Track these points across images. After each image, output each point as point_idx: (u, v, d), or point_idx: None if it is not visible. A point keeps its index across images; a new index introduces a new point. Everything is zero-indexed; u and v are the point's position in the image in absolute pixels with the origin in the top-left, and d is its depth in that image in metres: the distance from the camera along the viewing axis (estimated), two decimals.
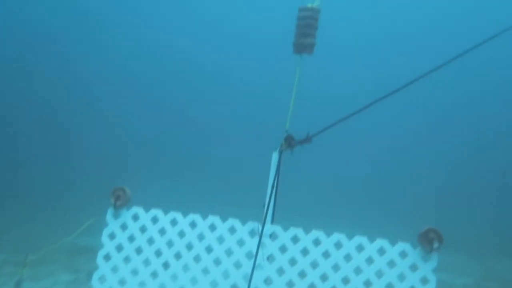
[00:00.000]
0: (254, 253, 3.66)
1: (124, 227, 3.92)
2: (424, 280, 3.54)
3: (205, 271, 3.72)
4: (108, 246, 3.88)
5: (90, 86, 28.68)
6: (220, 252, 3.73)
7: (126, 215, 3.93)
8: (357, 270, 3.58)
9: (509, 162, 23.70)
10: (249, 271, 3.64)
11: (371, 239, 3.62)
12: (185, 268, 3.75)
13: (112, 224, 3.93)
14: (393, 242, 3.62)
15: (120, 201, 3.92)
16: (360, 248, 3.62)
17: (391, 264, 3.57)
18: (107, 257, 3.89)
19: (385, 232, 4.02)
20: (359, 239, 3.63)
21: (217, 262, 3.72)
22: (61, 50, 28.93)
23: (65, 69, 28.63)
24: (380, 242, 3.61)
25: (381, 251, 3.61)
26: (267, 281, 3.61)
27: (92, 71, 29.08)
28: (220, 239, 3.75)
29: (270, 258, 3.63)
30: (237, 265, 3.69)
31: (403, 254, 3.58)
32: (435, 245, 3.50)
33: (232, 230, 3.75)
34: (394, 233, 4.10)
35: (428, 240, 3.53)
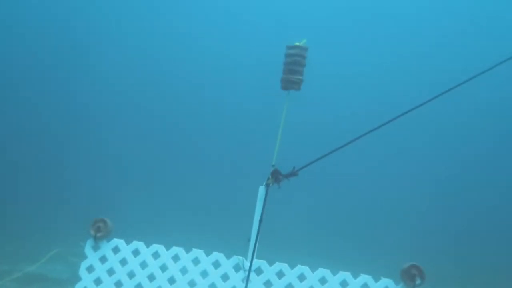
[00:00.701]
0: None
1: (103, 259, 3.81)
2: None
3: None
4: (86, 279, 3.76)
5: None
6: (203, 287, 3.67)
7: (106, 247, 3.83)
8: None
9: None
10: None
11: (355, 275, 3.65)
12: None
13: (91, 257, 3.82)
14: (376, 278, 3.66)
15: (101, 233, 3.83)
16: (344, 283, 3.64)
17: None
18: None
19: (368, 268, 4.05)
20: (343, 274, 3.66)
21: None
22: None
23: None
24: (364, 278, 3.65)
25: (365, 287, 3.64)
26: None
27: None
28: (204, 274, 3.70)
29: None
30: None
31: None
32: (417, 281, 3.56)
33: (216, 264, 3.71)
34: (377, 269, 4.15)
35: (410, 277, 3.58)
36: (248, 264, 3.64)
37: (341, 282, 3.65)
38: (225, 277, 3.68)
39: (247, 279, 3.45)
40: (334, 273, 3.67)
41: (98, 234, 3.82)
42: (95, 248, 3.84)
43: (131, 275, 3.76)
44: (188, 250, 3.77)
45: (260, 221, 3.57)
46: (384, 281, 3.66)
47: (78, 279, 3.79)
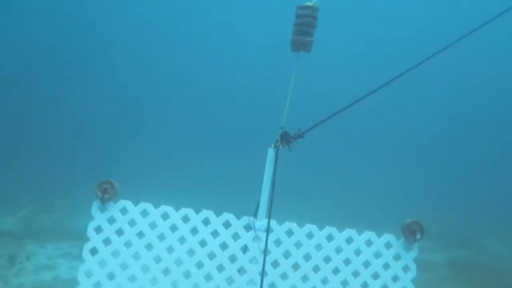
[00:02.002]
0: (250, 247, 3.75)
1: (111, 220, 3.82)
2: (406, 269, 3.82)
3: (199, 264, 3.75)
4: (95, 240, 3.78)
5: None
6: (214, 246, 3.77)
7: (114, 209, 3.83)
8: (346, 261, 3.79)
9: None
10: (244, 264, 3.74)
11: (360, 232, 3.83)
12: (178, 262, 3.75)
13: (98, 218, 3.81)
14: (379, 234, 3.85)
15: (108, 195, 3.82)
16: (349, 240, 3.82)
17: (377, 254, 3.81)
18: (93, 251, 3.78)
19: (372, 225, 4.25)
20: (349, 232, 3.83)
21: (211, 255, 3.76)
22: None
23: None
24: (368, 234, 3.84)
25: (369, 243, 3.84)
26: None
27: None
28: (215, 233, 3.79)
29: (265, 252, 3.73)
30: (232, 258, 3.76)
31: (388, 245, 3.84)
32: (418, 236, 3.78)
33: (226, 224, 3.79)
34: (381, 226, 4.36)
35: (411, 232, 3.79)
36: (259, 224, 3.75)
37: (347, 239, 3.83)
38: (236, 237, 3.79)
39: (265, 243, 3.55)
40: (340, 230, 3.84)
41: (105, 196, 3.81)
42: (102, 209, 3.83)
43: (140, 235, 3.81)
44: (198, 211, 3.82)
45: (273, 183, 3.63)
46: (387, 236, 3.86)
47: (86, 239, 3.81)
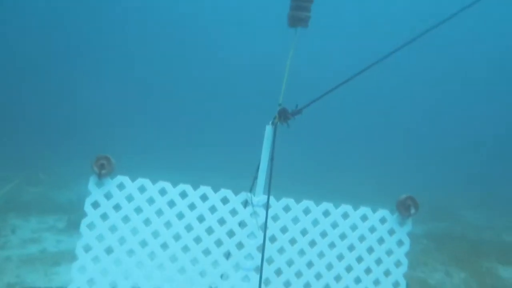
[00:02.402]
0: (247, 222, 3.79)
1: (108, 196, 3.81)
2: (400, 243, 3.92)
3: (197, 239, 3.79)
4: (92, 215, 3.77)
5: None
6: (212, 222, 3.80)
7: (110, 184, 3.82)
8: (342, 236, 3.87)
9: None
10: (242, 239, 3.79)
11: (355, 207, 3.90)
12: (176, 237, 3.78)
13: (95, 193, 3.80)
14: (374, 210, 3.93)
15: (105, 170, 3.80)
16: (345, 215, 3.89)
17: (372, 229, 3.90)
18: (91, 226, 3.78)
19: (368, 201, 4.32)
20: (345, 207, 3.90)
21: (209, 231, 3.80)
22: None
23: None
24: (363, 209, 3.91)
25: (364, 218, 3.91)
26: (260, 248, 3.77)
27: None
28: (212, 209, 3.82)
29: (263, 227, 3.78)
30: (230, 233, 3.80)
31: (382, 220, 3.92)
32: (412, 211, 3.86)
33: (224, 200, 3.82)
34: (377, 202, 4.44)
35: (405, 207, 3.87)
36: (256, 200, 3.79)
37: (343, 215, 3.90)
38: (233, 212, 3.82)
39: (266, 211, 3.59)
40: (336, 206, 3.90)
41: (103, 171, 3.79)
42: (99, 185, 3.81)
43: (138, 211, 3.81)
44: (195, 187, 3.83)
45: (272, 159, 3.65)
46: (381, 212, 3.94)
47: (84, 215, 3.80)
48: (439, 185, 18.04)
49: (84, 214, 3.78)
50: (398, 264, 3.95)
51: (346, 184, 16.35)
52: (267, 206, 3.62)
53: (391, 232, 3.94)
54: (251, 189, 4.01)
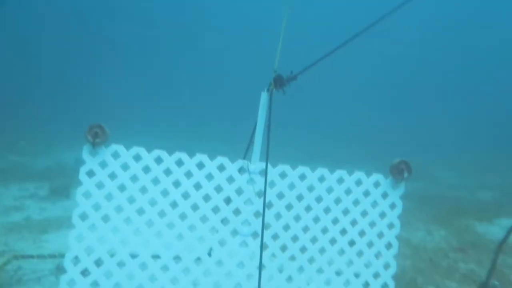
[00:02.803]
0: (244, 189, 3.82)
1: (103, 164, 3.78)
2: (393, 206, 4.01)
3: (194, 207, 3.81)
4: (87, 184, 3.74)
5: None
6: (209, 189, 3.82)
7: (105, 153, 3.78)
8: (337, 200, 3.94)
9: None
10: (239, 206, 3.82)
11: (350, 172, 3.96)
12: (173, 204, 3.80)
13: (90, 162, 3.76)
14: (368, 174, 3.99)
15: (99, 139, 3.75)
16: (340, 180, 3.95)
17: (366, 193, 3.97)
18: (87, 195, 3.76)
19: (363, 167, 4.38)
20: (340, 172, 3.95)
21: (206, 198, 3.82)
22: None
23: None
24: (358, 174, 3.98)
25: (358, 183, 3.98)
26: (257, 214, 3.82)
27: None
28: (209, 177, 3.83)
29: (260, 193, 3.81)
30: (227, 201, 3.83)
31: (376, 184, 4.00)
32: (405, 175, 3.94)
33: (221, 167, 3.83)
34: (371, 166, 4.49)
35: (399, 171, 3.94)
36: (252, 167, 3.81)
37: (338, 180, 3.95)
38: (230, 180, 3.84)
39: (265, 182, 3.62)
40: (331, 171, 3.95)
41: (97, 140, 3.74)
42: (93, 154, 3.77)
43: (134, 179, 3.80)
44: (191, 155, 3.83)
45: (269, 127, 3.65)
46: (375, 176, 4.01)
47: (79, 183, 3.77)
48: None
49: (79, 183, 3.74)
50: (390, 226, 4.06)
51: (332, 150, 16.56)
52: (265, 172, 3.64)
53: (384, 195, 4.03)
54: (245, 156, 4.03)
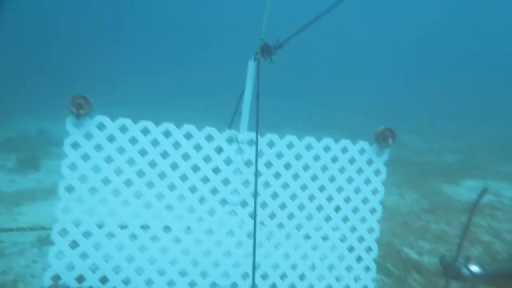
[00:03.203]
0: (232, 159, 3.83)
1: (88, 136, 3.70)
2: (377, 172, 4.10)
3: (183, 177, 3.80)
4: (73, 156, 3.67)
5: None
6: (197, 159, 3.81)
7: (90, 125, 3.70)
8: (324, 168, 4.00)
9: None
10: (228, 176, 3.83)
11: (336, 140, 4.02)
12: (162, 175, 3.78)
13: (74, 134, 3.67)
14: (354, 142, 4.06)
15: (84, 110, 3.66)
16: (327, 148, 4.00)
17: (352, 160, 4.04)
18: (72, 167, 3.69)
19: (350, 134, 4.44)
20: (327, 140, 4.01)
21: (195, 168, 3.81)
22: None
23: None
24: (344, 142, 4.04)
25: (344, 150, 4.04)
26: (246, 183, 3.85)
27: None
28: (197, 147, 3.81)
29: (248, 163, 3.83)
30: (216, 170, 3.84)
31: (361, 151, 4.07)
32: (389, 141, 4.02)
33: (209, 138, 3.82)
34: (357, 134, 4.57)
35: (383, 138, 4.02)
36: (241, 137, 3.81)
37: (325, 148, 4.01)
38: (218, 150, 3.84)
39: (256, 152, 3.63)
40: (318, 140, 4.00)
41: (82, 111, 3.66)
42: (77, 125, 3.69)
43: (121, 151, 3.75)
44: (179, 126, 3.80)
45: (257, 96, 3.64)
46: (361, 143, 4.08)
47: (63, 155, 3.69)
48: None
49: (64, 155, 3.67)
50: (375, 191, 4.16)
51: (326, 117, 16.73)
52: (256, 142, 3.66)
53: (369, 162, 4.11)
54: (230, 126, 4.04)
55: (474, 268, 4.94)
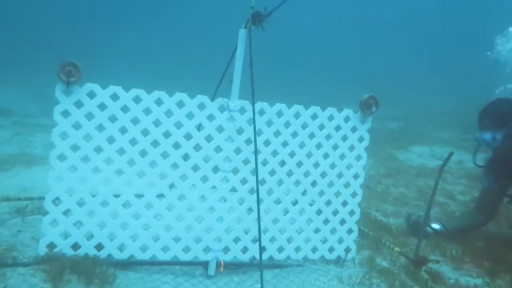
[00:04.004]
0: (224, 127, 3.90)
1: (79, 104, 3.65)
2: (361, 139, 4.29)
3: (176, 145, 3.84)
4: (63, 124, 3.63)
5: None
6: (190, 127, 3.85)
7: (80, 92, 3.65)
8: (311, 136, 4.13)
9: None
10: (220, 143, 3.91)
11: (323, 108, 4.15)
12: (155, 143, 3.80)
13: (64, 102, 3.62)
14: (339, 110, 4.20)
15: (74, 78, 3.61)
16: (314, 116, 4.13)
17: (337, 128, 4.19)
18: (63, 135, 3.66)
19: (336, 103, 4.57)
20: (314, 108, 4.13)
21: (187, 136, 3.86)
22: None
23: None
24: (330, 110, 4.18)
25: (330, 118, 4.18)
26: (237, 150, 3.94)
27: None
28: (190, 115, 3.85)
29: (239, 131, 3.91)
30: (208, 138, 3.90)
31: (346, 119, 4.22)
32: (373, 109, 4.18)
33: (201, 106, 3.86)
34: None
35: (367, 106, 4.18)
36: (232, 105, 3.87)
37: (312, 116, 4.13)
38: (211, 118, 3.89)
39: (254, 130, 3.70)
40: (306, 108, 4.11)
41: (72, 79, 3.61)
42: (67, 93, 3.64)
43: (112, 119, 3.74)
44: (171, 94, 3.81)
45: (251, 65, 3.68)
46: (346, 111, 4.23)
47: (54, 124, 3.65)
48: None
49: (54, 124, 3.63)
50: (358, 158, 4.34)
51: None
52: (253, 109, 3.73)
53: (353, 129, 4.27)
54: (214, 94, 4.09)
55: (436, 225, 5.31)
